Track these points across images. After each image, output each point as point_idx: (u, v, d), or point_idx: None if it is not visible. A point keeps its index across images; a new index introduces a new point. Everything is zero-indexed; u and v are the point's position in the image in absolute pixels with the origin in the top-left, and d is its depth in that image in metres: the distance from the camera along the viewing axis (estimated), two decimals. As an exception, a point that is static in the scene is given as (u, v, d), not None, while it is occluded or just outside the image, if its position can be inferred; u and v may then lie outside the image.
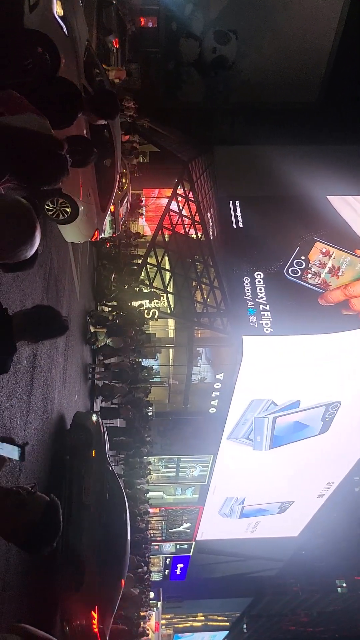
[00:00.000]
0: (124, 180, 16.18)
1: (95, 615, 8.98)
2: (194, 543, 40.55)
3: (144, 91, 24.88)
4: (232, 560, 45.56)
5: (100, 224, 10.47)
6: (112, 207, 14.07)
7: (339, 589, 63.43)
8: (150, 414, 22.69)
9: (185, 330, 24.69)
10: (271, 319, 21.12)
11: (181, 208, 22.96)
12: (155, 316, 20.80)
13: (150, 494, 28.47)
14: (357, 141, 27.12)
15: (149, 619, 32.90)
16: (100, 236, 11.13)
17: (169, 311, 22.20)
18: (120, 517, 10.11)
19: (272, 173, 24.35)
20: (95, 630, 8.96)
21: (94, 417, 11.50)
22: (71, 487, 9.46)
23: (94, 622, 8.96)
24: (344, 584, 63.17)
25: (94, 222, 9.96)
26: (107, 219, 13.25)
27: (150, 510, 31.68)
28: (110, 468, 10.70)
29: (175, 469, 31.06)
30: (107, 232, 14.91)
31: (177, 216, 22.73)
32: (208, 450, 28.63)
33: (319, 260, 22.66)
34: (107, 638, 9.41)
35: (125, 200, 16.91)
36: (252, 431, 25.45)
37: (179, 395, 27.01)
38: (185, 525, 38.09)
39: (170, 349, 26.21)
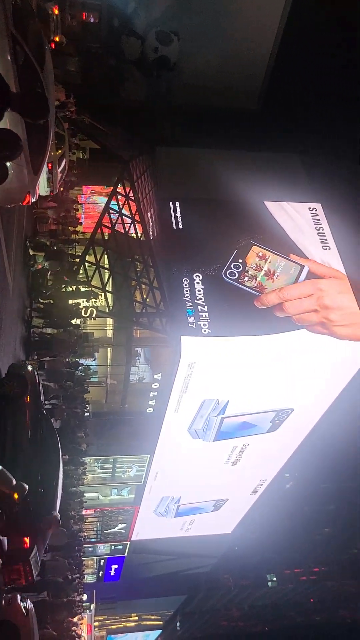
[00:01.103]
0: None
1: (27, 540, 9.39)
2: (129, 543, 40.40)
3: (84, 86, 24.50)
4: (166, 559, 45.80)
5: (32, 187, 9.90)
6: (49, 165, 14.06)
7: (269, 583, 65.40)
8: (86, 414, 22.43)
9: (124, 330, 24.60)
10: (209, 320, 21.35)
11: (121, 207, 22.81)
12: (93, 315, 20.55)
13: (86, 495, 28.08)
14: (293, 149, 28.06)
15: (81, 623, 32.39)
16: (32, 200, 10.80)
17: (107, 310, 21.99)
18: (53, 458, 10.64)
19: (212, 176, 24.66)
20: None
21: (30, 367, 11.95)
22: (5, 429, 9.83)
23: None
24: (274, 578, 65.18)
25: (25, 184, 9.37)
26: (44, 176, 12.98)
27: (85, 511, 31.24)
28: (44, 412, 11.23)
29: (111, 470, 30.82)
30: (44, 190, 14.76)
31: (117, 215, 22.56)
32: (145, 450, 28.62)
33: (256, 264, 23.17)
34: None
35: (64, 161, 16.72)
36: (206, 425, 25.79)
37: (117, 395, 26.87)
38: (121, 525, 37.88)
39: (109, 349, 26.01)
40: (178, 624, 73.74)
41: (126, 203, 22.92)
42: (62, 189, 19.57)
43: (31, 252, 16.64)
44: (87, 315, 20.32)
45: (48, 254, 17.09)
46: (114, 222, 22.36)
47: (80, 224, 23.98)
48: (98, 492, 33.24)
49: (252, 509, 37.97)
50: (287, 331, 21.87)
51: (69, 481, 21.95)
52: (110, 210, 22.42)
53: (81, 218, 25.41)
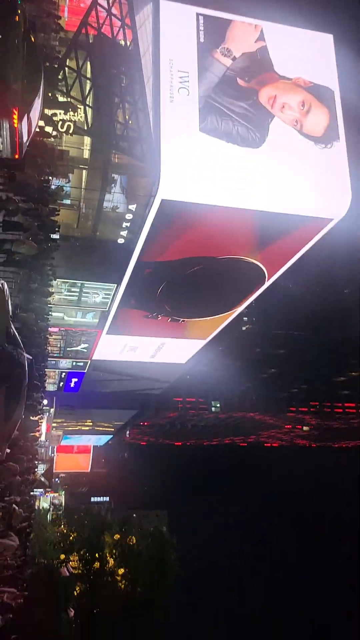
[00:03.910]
0: None
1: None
2: (89, 361, 43.10)
3: None
4: (122, 378, 49.52)
5: None
6: None
7: (213, 408, 72.97)
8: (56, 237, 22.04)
9: (102, 153, 23.02)
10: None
11: (111, 5, 19.79)
12: (70, 131, 18.96)
13: (51, 313, 29.00)
14: None
15: (41, 422, 35.75)
16: None
17: (85, 128, 20.31)
18: None
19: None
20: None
21: None
22: None
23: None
24: (218, 405, 72.59)
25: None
26: None
27: (50, 329, 32.57)
28: None
29: (78, 294, 31.41)
30: None
31: (106, 14, 19.66)
32: (112, 279, 29.02)
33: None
34: None
35: None
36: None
37: (89, 221, 26.21)
38: (83, 345, 39.96)
39: (84, 171, 24.60)
40: (127, 432, 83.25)
41: (117, 1, 19.85)
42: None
43: None
44: (63, 129, 18.71)
45: None
46: (101, 22, 19.55)
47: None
48: (64, 313, 34.28)
49: (207, 345, 40.49)
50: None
51: (37, 297, 22.40)
52: (99, 7, 19.45)
53: (64, 12, 22.04)
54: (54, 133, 17.93)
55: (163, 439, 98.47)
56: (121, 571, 38.11)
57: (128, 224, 24.55)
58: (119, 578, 37.90)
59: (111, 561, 38.83)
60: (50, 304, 26.97)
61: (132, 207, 23.85)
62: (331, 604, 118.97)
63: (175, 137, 20.40)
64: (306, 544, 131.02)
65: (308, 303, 55.49)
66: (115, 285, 29.43)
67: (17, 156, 10.05)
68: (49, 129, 17.63)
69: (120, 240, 25.28)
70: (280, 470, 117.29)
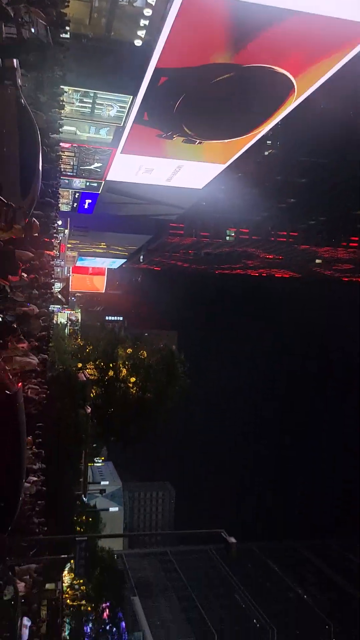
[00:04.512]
0: None
1: None
2: (103, 182, 41.93)
3: None
4: (137, 202, 48.67)
5: None
6: None
7: (227, 237, 73.10)
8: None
9: None
10: None
11: None
12: None
13: (63, 127, 27.31)
14: None
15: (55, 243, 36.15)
16: None
17: None
18: None
19: None
20: None
21: None
22: None
23: None
24: (233, 234, 72.54)
25: None
26: None
27: (62, 144, 30.98)
28: None
29: (91, 105, 29.18)
30: None
31: None
32: (127, 90, 26.75)
33: None
34: None
35: None
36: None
37: (102, 17, 23.23)
38: (97, 164, 38.44)
39: None
40: (141, 257, 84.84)
41: None
42: None
43: None
44: None
45: None
46: None
47: None
48: (76, 127, 32.24)
49: (226, 170, 38.78)
50: None
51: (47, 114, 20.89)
52: None
53: None
54: None
55: (177, 265, 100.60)
56: (133, 379, 41.92)
57: (146, 22, 21.74)
58: (130, 385, 41.87)
59: (124, 371, 42.52)
60: (61, 115, 25.28)
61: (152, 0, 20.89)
62: (336, 472, 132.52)
63: None
64: (316, 391, 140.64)
65: (337, 129, 51.35)
66: (131, 97, 27.19)
67: None
68: None
69: (137, 42, 22.66)
70: (291, 303, 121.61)
